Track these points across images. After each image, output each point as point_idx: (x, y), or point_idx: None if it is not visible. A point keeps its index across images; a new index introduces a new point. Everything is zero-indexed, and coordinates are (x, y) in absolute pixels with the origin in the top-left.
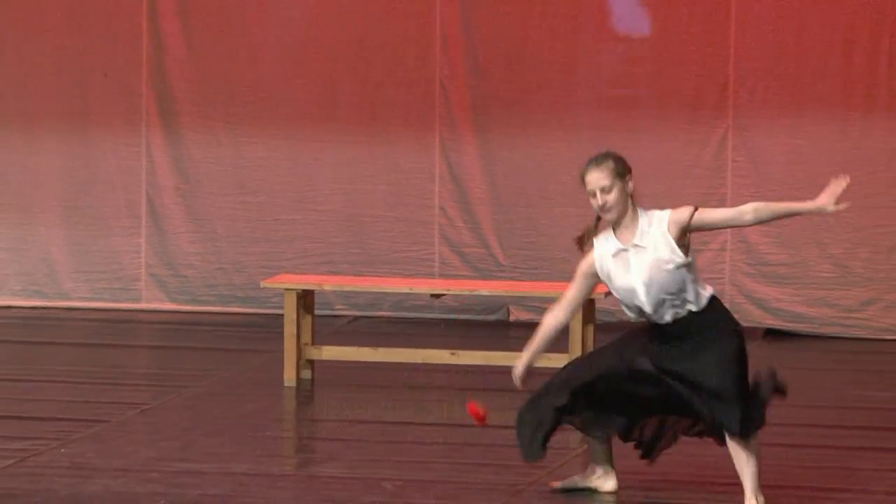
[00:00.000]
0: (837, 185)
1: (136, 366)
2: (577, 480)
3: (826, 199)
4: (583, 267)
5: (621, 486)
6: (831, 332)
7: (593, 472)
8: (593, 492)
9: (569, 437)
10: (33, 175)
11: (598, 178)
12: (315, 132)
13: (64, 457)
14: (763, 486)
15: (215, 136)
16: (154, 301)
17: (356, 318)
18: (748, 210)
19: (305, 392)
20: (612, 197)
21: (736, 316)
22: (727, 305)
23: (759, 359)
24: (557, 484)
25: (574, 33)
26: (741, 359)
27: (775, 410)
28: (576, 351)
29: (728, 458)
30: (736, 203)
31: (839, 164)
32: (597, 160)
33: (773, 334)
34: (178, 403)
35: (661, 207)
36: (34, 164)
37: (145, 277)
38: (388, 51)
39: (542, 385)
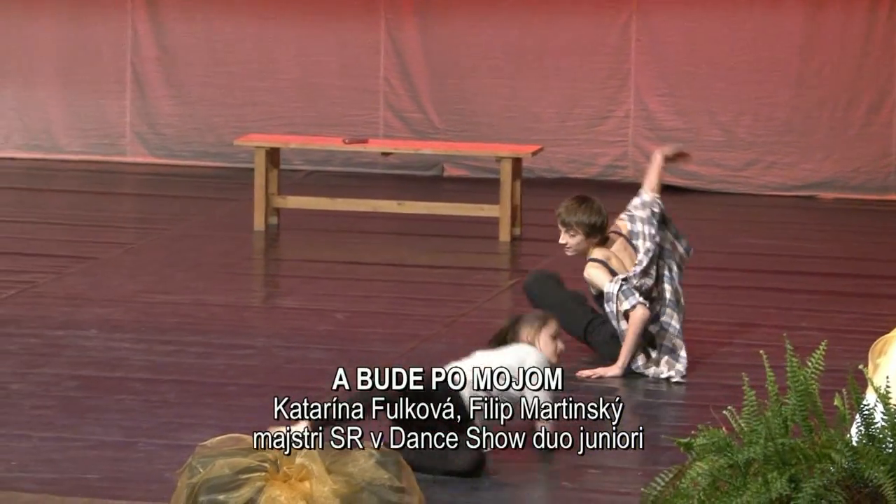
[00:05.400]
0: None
1: (121, 211)
2: None
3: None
4: None
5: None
6: (718, 188)
7: None
8: None
9: None
10: (33, 44)
11: None
12: (276, 11)
13: (59, 288)
14: None
15: (190, 13)
16: (137, 155)
17: (310, 172)
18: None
19: (272, 235)
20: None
21: (637, 173)
22: (629, 165)
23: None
24: None
25: None
26: None
27: None
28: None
29: None
30: (639, 80)
31: (726, 44)
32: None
33: (670, 189)
34: (159, 244)
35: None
36: (33, 34)
37: (129, 134)
38: None
39: None
